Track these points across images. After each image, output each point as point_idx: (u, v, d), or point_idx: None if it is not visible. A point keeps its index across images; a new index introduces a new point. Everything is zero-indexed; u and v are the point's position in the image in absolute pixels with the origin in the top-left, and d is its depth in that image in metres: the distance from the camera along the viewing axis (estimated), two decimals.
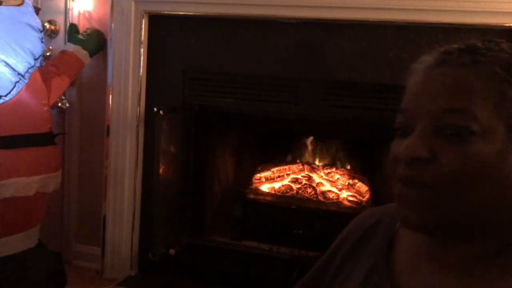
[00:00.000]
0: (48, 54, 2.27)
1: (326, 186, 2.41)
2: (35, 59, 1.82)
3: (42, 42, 1.86)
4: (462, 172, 0.55)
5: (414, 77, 0.62)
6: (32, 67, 1.82)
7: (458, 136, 0.55)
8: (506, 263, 0.58)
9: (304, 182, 2.41)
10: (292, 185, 2.41)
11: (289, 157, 2.65)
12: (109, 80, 2.25)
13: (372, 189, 2.40)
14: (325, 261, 0.81)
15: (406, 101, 0.62)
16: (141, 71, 2.22)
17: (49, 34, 2.31)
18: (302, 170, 2.50)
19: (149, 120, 2.22)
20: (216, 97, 2.22)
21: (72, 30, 2.25)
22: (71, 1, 2.29)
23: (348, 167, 2.60)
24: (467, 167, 0.55)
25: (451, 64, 0.58)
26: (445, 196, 0.56)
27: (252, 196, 2.41)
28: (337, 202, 2.32)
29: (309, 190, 2.35)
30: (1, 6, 1.72)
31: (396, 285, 0.66)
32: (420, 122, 0.58)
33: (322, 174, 2.47)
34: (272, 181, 2.46)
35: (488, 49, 0.58)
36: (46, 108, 1.95)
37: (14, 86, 1.76)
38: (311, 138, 2.65)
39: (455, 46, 0.60)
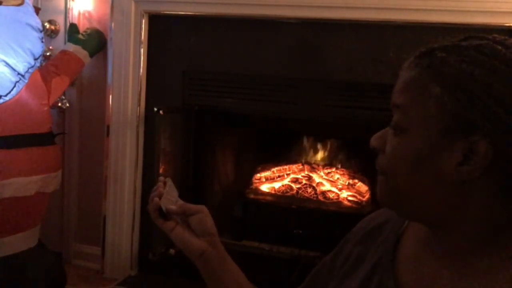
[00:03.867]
0: (48, 54, 2.26)
1: (326, 186, 2.41)
2: (35, 59, 1.82)
3: (42, 42, 1.86)
4: (397, 160, 0.62)
5: None
6: (32, 67, 1.82)
7: (396, 129, 0.62)
8: (500, 252, 0.60)
9: (304, 182, 2.40)
10: (292, 185, 2.41)
11: (289, 157, 2.65)
12: (109, 80, 2.25)
13: (372, 189, 2.40)
14: (332, 257, 0.83)
15: None
16: (141, 71, 2.22)
17: (49, 34, 2.31)
18: (302, 170, 2.50)
19: (149, 120, 2.22)
20: (216, 97, 2.22)
21: (72, 30, 2.24)
22: (71, 1, 2.29)
23: (348, 167, 2.59)
24: (400, 157, 0.62)
25: (409, 66, 0.63)
26: (391, 180, 0.63)
27: (252, 196, 2.40)
28: (337, 202, 2.32)
29: (309, 190, 2.35)
30: (1, 6, 1.72)
31: (398, 278, 0.69)
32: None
33: (322, 174, 2.46)
34: (272, 181, 2.46)
35: (446, 51, 0.60)
36: (46, 108, 1.95)
37: (14, 86, 1.76)
38: (311, 138, 2.64)
39: (425, 48, 0.63)
